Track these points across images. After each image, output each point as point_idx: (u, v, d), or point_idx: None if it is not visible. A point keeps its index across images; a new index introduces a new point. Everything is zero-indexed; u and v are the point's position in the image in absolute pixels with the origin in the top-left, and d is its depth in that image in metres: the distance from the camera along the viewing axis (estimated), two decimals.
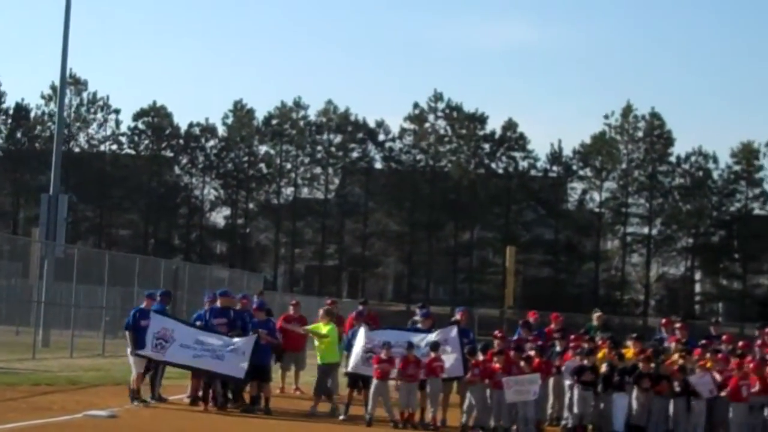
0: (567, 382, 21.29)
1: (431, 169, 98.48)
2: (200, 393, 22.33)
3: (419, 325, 23.37)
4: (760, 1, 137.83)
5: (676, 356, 21.35)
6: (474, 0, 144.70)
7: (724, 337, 23.61)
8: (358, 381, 22.28)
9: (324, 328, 22.93)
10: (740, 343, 23.33)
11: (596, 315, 25.35)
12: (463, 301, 77.48)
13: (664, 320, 26.02)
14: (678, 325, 24.25)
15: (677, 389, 20.42)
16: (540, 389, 20.77)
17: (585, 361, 21.02)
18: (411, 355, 21.03)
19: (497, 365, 20.83)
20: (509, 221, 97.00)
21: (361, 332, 22.24)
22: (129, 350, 22.44)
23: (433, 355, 21.22)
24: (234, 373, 21.72)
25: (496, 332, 22.63)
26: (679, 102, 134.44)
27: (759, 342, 22.71)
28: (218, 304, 23.06)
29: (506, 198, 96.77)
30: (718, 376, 20.55)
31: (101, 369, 30.28)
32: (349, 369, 22.31)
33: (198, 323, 22.84)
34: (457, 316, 23.05)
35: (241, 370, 21.60)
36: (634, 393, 20.55)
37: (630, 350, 21.74)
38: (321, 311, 23.71)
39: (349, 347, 22.80)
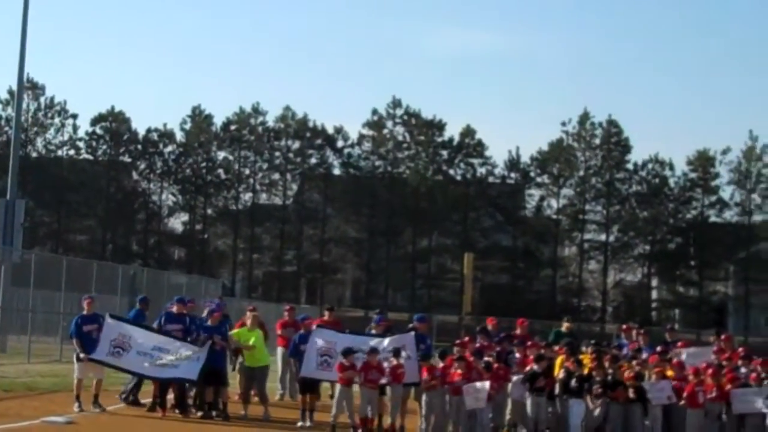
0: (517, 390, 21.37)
1: (389, 175, 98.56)
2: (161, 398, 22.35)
3: (373, 331, 23.38)
4: (717, 10, 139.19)
5: (633, 363, 21.48)
6: (433, 7, 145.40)
7: (679, 344, 23.85)
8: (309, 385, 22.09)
9: (250, 336, 22.87)
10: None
11: (566, 325, 25.69)
12: (421, 307, 77.57)
13: (624, 326, 26.32)
14: (636, 331, 24.57)
15: (632, 396, 20.51)
16: (499, 395, 20.85)
17: (536, 367, 21.06)
18: (373, 360, 20.85)
19: (458, 372, 20.82)
20: (467, 228, 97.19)
21: (315, 336, 21.95)
22: (75, 356, 22.38)
23: (395, 361, 21.03)
24: (188, 376, 21.74)
25: (466, 339, 22.74)
26: (636, 109, 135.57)
27: (715, 348, 22.90)
28: (174, 310, 23.15)
29: (464, 204, 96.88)
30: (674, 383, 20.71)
31: (59, 375, 30.03)
32: (302, 373, 22.07)
33: (155, 326, 22.93)
34: (416, 324, 23.03)
35: (194, 372, 21.60)
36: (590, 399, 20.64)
37: (587, 356, 21.86)
38: (249, 316, 23.58)
39: (296, 353, 22.74)
